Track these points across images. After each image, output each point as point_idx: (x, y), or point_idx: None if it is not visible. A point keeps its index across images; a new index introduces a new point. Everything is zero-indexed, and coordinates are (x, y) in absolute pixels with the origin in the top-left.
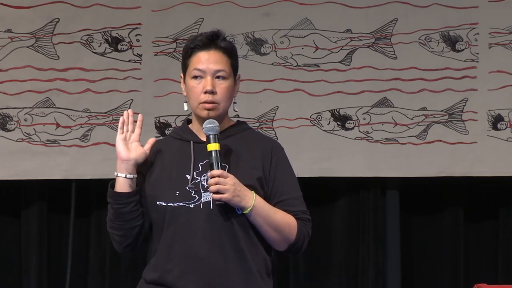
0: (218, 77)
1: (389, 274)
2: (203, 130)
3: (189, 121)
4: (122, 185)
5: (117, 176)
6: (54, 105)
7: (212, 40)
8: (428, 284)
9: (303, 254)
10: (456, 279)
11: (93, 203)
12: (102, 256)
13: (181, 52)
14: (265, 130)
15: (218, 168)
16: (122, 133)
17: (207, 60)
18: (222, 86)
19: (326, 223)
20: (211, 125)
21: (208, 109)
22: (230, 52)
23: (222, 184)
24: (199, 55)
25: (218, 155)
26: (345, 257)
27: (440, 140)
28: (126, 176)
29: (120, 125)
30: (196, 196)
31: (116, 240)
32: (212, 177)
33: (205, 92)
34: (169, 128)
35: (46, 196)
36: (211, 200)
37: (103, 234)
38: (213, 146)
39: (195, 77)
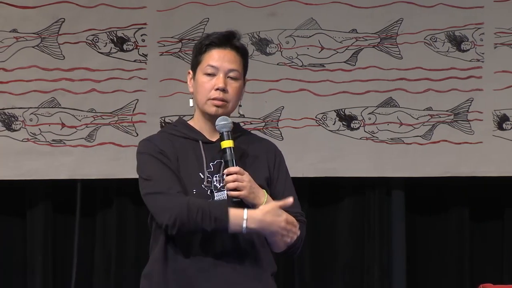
0: (230, 76)
1: (394, 274)
2: (216, 127)
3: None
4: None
5: (246, 220)
6: (60, 105)
7: (228, 39)
8: (433, 283)
9: (308, 254)
10: (461, 279)
11: (98, 203)
12: (107, 256)
13: (186, 52)
14: (270, 130)
15: (234, 165)
16: None
17: (222, 58)
18: (233, 86)
19: (331, 223)
20: (225, 122)
21: (217, 106)
22: (244, 54)
23: (240, 181)
24: (214, 52)
25: (233, 152)
26: (350, 257)
27: (446, 140)
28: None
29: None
30: (210, 196)
31: (183, 233)
32: (229, 174)
33: (217, 89)
34: None
35: (52, 196)
36: (226, 199)
37: (108, 234)
38: (228, 143)
39: (208, 74)
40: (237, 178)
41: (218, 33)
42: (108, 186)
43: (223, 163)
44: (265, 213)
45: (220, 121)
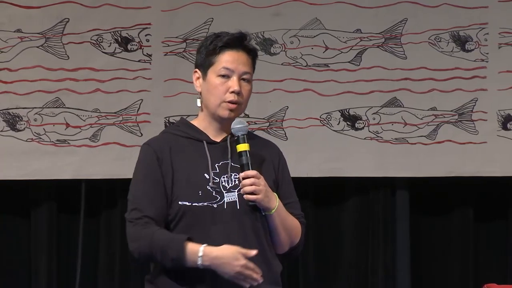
0: (243, 78)
1: (398, 274)
2: (232, 130)
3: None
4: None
5: (201, 257)
6: (64, 105)
7: (241, 41)
8: (438, 283)
9: (313, 253)
10: (465, 279)
11: (103, 203)
12: (111, 256)
13: (191, 52)
14: (274, 130)
15: (250, 169)
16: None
17: (236, 60)
18: (246, 89)
19: (336, 223)
20: (241, 125)
21: (231, 110)
22: (254, 56)
23: (257, 185)
24: (229, 54)
25: (249, 155)
26: (354, 257)
27: (450, 140)
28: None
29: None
30: (218, 196)
31: (141, 259)
32: (247, 177)
33: (232, 92)
34: None
35: (56, 196)
36: (237, 200)
37: (113, 234)
38: (244, 147)
39: (222, 75)
40: (255, 182)
41: (229, 34)
42: (112, 186)
43: (230, 164)
44: (222, 252)
45: (236, 124)
